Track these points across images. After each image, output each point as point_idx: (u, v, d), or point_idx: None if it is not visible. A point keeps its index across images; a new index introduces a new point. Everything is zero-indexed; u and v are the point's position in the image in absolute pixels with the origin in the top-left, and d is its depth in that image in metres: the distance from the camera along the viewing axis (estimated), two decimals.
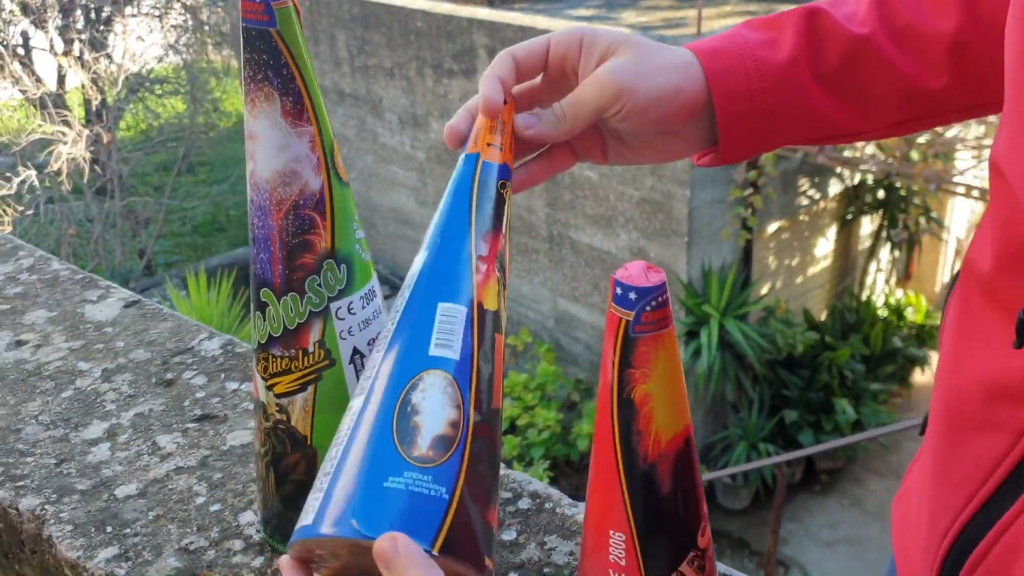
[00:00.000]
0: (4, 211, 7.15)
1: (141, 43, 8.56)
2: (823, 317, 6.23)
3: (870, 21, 0.63)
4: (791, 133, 0.65)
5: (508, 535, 0.71)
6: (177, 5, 9.10)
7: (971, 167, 4.72)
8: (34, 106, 7.74)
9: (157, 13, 9.02)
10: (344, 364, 0.63)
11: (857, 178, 5.98)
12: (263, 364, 0.64)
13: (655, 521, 0.51)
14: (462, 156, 0.59)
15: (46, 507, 0.77)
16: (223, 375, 0.93)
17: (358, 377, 0.64)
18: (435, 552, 0.43)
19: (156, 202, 8.33)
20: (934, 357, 6.27)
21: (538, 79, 0.66)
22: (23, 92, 7.80)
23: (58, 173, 7.21)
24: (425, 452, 0.46)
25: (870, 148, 5.23)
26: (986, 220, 0.55)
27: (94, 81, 7.65)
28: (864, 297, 6.43)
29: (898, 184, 5.78)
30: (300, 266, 0.60)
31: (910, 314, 6.35)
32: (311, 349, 0.62)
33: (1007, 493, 0.51)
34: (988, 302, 0.54)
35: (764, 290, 5.75)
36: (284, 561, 0.47)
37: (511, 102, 0.62)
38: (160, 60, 9.13)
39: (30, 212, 7.36)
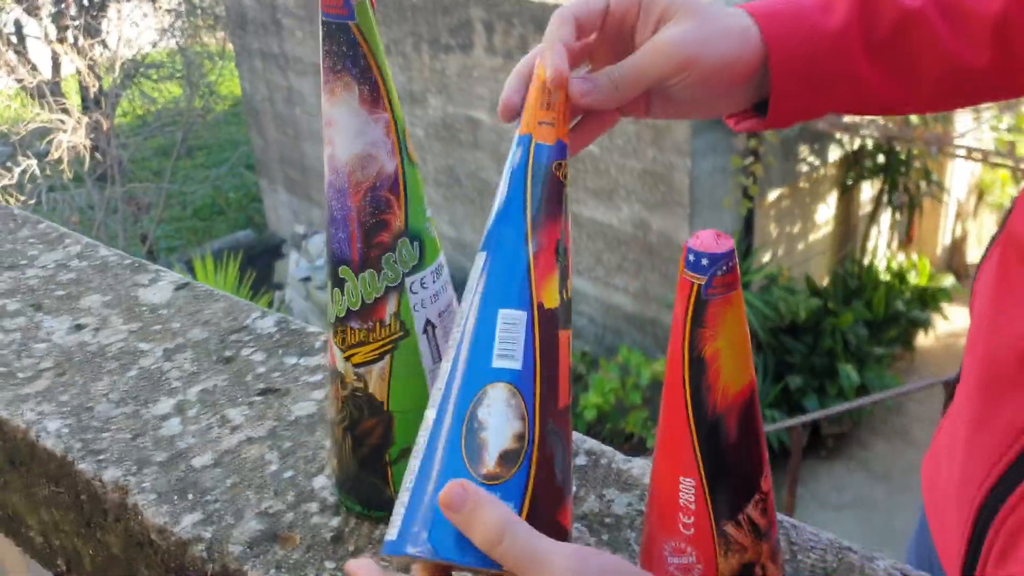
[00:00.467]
0: (7, 201, 7.17)
1: (135, 28, 8.55)
2: (825, 283, 6.28)
3: None
4: (836, 100, 0.67)
5: None
6: None
7: (971, 129, 4.76)
8: (31, 95, 7.74)
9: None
10: (418, 334, 0.67)
11: (857, 143, 6.01)
12: (341, 336, 0.68)
13: (723, 467, 0.55)
14: (515, 138, 0.58)
15: (128, 478, 0.82)
16: (280, 351, 0.97)
17: (431, 346, 0.68)
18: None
19: (156, 187, 8.35)
20: (938, 320, 6.33)
21: (592, 36, 0.65)
22: (19, 81, 7.79)
23: (59, 161, 7.23)
24: (492, 469, 0.49)
25: None
26: None
27: (90, 68, 7.65)
28: (866, 262, 6.49)
29: (898, 148, 5.82)
30: (377, 244, 0.65)
31: (912, 277, 6.40)
32: (388, 321, 0.67)
33: None
34: None
35: (766, 258, 5.80)
36: (363, 564, 0.50)
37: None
38: (155, 45, 9.11)
39: (32, 201, 7.38)
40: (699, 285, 0.51)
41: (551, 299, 0.53)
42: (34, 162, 7.15)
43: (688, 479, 0.56)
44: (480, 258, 0.55)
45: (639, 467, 0.77)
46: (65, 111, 7.46)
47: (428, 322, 0.68)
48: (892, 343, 6.06)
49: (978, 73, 0.67)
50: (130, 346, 1.00)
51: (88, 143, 7.46)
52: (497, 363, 0.51)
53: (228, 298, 1.08)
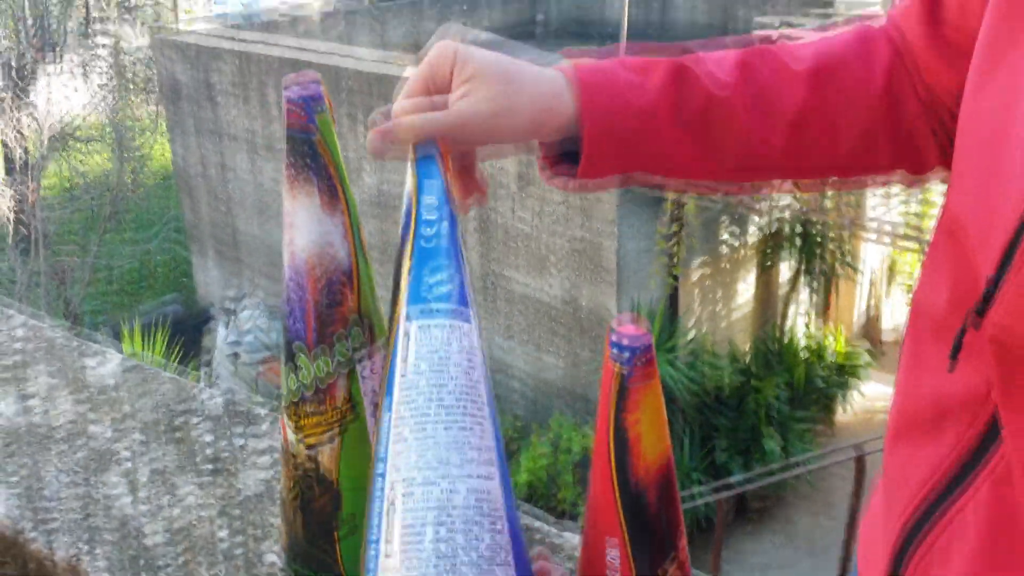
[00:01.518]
0: None
1: (66, 100, 8.49)
2: (748, 356, 6.47)
3: (730, 85, 0.73)
4: (647, 167, 0.74)
5: None
6: (101, 64, 9.06)
7: (880, 213, 5.03)
8: None
9: (81, 71, 8.96)
10: (367, 416, 0.73)
11: (775, 225, 6.28)
12: (295, 418, 0.73)
13: (644, 529, 0.62)
14: None
15: (81, 557, 0.85)
16: (228, 430, 1.01)
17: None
18: None
19: (81, 262, 8.20)
20: (854, 395, 6.56)
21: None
22: None
23: None
24: None
25: (786, 199, 5.51)
26: (938, 268, 0.67)
27: (17, 135, 7.56)
28: (786, 338, 6.71)
29: (814, 231, 6.09)
30: (331, 332, 0.71)
31: (830, 355, 6.63)
32: (339, 404, 0.72)
33: (949, 489, 0.64)
34: (937, 336, 0.65)
35: (691, 332, 5.96)
36: None
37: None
38: (84, 118, 9.03)
39: None
40: (622, 373, 0.58)
41: None
42: None
43: (613, 539, 0.62)
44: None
45: (569, 538, 0.84)
46: None
47: (376, 405, 0.74)
48: (813, 415, 6.25)
49: (774, 155, 0.75)
50: (79, 425, 1.03)
51: (11, 212, 7.33)
52: None
53: (175, 379, 1.12)
